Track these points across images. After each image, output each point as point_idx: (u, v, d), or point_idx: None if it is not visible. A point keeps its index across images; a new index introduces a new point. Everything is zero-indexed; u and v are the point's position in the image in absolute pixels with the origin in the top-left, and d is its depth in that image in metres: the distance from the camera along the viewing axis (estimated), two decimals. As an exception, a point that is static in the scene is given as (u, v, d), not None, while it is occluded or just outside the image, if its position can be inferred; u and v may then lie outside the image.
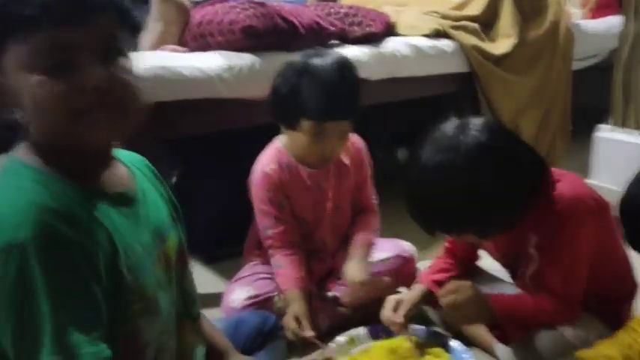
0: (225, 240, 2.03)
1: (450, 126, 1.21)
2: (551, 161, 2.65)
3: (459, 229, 1.26)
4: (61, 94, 0.71)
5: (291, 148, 1.57)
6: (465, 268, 1.52)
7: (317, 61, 1.45)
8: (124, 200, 0.84)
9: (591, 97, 2.91)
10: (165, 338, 0.89)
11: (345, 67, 1.48)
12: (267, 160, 1.58)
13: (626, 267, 1.33)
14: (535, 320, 1.23)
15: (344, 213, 1.66)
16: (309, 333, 1.38)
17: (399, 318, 1.39)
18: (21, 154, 0.77)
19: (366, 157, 1.67)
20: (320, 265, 1.65)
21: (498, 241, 1.36)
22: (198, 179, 2.00)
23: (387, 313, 1.41)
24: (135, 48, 0.85)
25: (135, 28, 0.82)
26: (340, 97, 1.45)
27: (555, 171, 1.28)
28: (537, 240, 1.25)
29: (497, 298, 1.26)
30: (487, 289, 1.44)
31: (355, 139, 1.65)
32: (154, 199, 0.92)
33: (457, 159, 1.14)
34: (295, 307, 1.44)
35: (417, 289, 1.46)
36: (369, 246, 1.62)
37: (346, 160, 1.62)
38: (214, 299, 1.61)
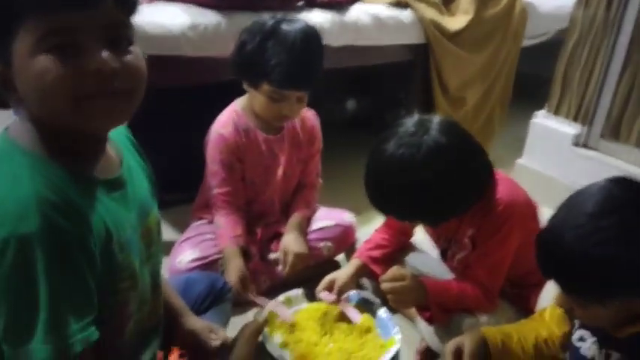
0: (176, 186, 2.08)
1: (411, 122, 1.30)
2: (490, 130, 2.84)
3: (411, 218, 1.40)
4: (64, 77, 0.72)
5: (248, 105, 1.62)
6: (400, 243, 1.66)
7: (285, 27, 1.48)
8: (116, 185, 0.87)
9: (534, 67, 3.06)
10: (145, 308, 0.96)
11: (313, 37, 1.52)
12: (225, 122, 1.62)
13: None
14: (458, 304, 1.39)
15: (291, 181, 1.75)
16: (252, 296, 1.50)
17: (332, 297, 1.54)
18: (15, 134, 0.79)
19: (318, 133, 1.76)
20: (265, 229, 1.74)
21: (433, 230, 1.52)
22: (154, 130, 2.02)
23: (321, 292, 1.55)
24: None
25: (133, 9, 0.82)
26: (304, 67, 1.49)
27: (497, 173, 1.40)
28: (473, 232, 1.40)
29: (432, 285, 1.39)
30: (417, 264, 1.61)
31: (310, 115, 1.73)
32: (138, 177, 0.95)
33: (418, 155, 1.24)
34: (233, 265, 1.52)
35: (352, 264, 1.59)
36: (306, 220, 1.73)
37: (300, 133, 1.70)
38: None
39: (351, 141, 2.99)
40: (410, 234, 1.67)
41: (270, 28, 1.48)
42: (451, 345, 1.21)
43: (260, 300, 1.54)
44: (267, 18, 1.53)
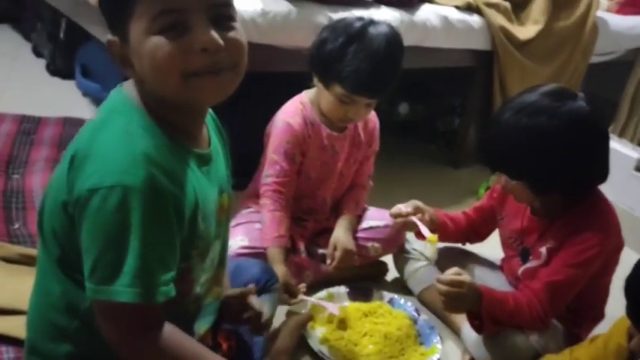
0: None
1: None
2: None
3: (523, 175, 1.34)
4: (174, 54, 0.77)
5: (315, 100, 1.60)
6: (466, 239, 1.66)
7: (372, 32, 1.46)
8: (206, 160, 0.92)
9: (601, 89, 2.97)
10: (207, 281, 0.99)
11: (396, 45, 1.49)
12: (293, 113, 1.60)
13: (604, 297, 1.44)
14: (511, 320, 1.34)
15: (346, 180, 1.73)
16: (299, 298, 1.49)
17: (408, 209, 1.52)
18: (132, 93, 0.85)
19: (377, 135, 1.73)
20: (314, 224, 1.73)
21: (517, 226, 1.47)
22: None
23: (398, 206, 1.54)
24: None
25: None
26: (381, 76, 1.48)
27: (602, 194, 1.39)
28: (553, 245, 1.35)
29: (488, 296, 1.34)
30: (475, 269, 1.60)
31: (372, 116, 1.70)
32: (221, 157, 1.01)
33: (561, 113, 1.26)
34: (276, 271, 1.46)
35: (429, 209, 1.58)
36: (356, 219, 1.71)
37: (362, 133, 1.68)
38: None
39: (401, 145, 2.97)
40: (483, 236, 1.65)
41: (356, 31, 1.46)
42: None
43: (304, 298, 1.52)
44: (353, 19, 1.51)
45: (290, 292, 1.47)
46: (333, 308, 1.48)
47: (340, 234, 1.62)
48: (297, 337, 1.37)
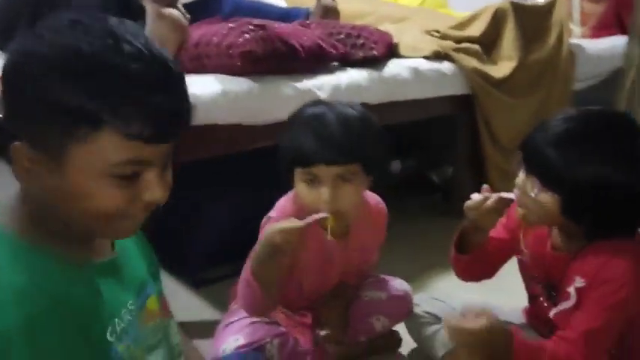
0: (221, 260, 1.99)
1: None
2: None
3: (563, 187, 1.18)
4: (119, 202, 0.70)
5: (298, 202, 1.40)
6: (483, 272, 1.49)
7: (328, 113, 1.30)
8: (112, 268, 0.82)
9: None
10: None
11: (359, 116, 1.33)
12: (283, 208, 1.43)
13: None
14: None
15: (348, 276, 1.55)
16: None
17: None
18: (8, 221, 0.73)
19: (385, 227, 1.56)
20: (314, 312, 1.54)
21: (541, 263, 1.34)
22: (200, 201, 1.97)
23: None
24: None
25: None
26: (332, 140, 1.27)
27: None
28: (582, 285, 1.20)
29: (520, 340, 1.18)
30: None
31: (381, 209, 1.54)
32: (134, 255, 0.90)
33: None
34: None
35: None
36: (354, 292, 1.56)
37: (366, 235, 1.50)
38: (201, 328, 1.58)
39: (398, 203, 2.87)
40: (496, 268, 1.48)
41: (311, 114, 1.33)
42: None
43: None
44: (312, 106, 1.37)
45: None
46: None
47: (332, 313, 1.47)
48: None
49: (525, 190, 1.23)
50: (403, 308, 1.58)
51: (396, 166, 3.20)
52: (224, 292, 1.68)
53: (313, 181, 1.30)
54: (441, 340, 1.51)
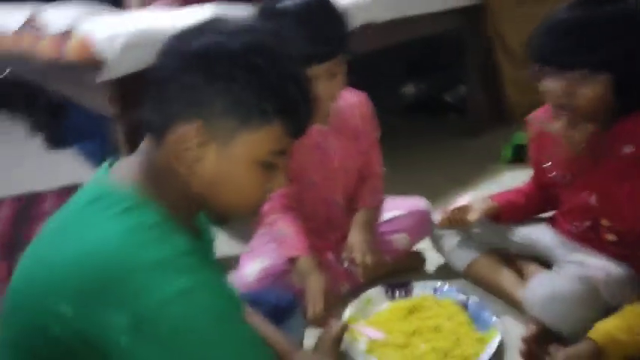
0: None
1: None
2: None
3: (613, 64, 1.13)
4: (260, 189, 0.78)
5: None
6: (543, 207, 1.50)
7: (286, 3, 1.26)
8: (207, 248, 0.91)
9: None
10: None
11: (321, 5, 1.29)
12: None
13: None
14: None
15: (352, 175, 1.55)
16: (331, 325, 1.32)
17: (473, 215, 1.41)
18: (140, 185, 0.75)
19: (374, 121, 1.56)
20: (335, 233, 1.56)
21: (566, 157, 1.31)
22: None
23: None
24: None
25: None
26: (319, 37, 1.24)
27: None
28: (633, 150, 1.18)
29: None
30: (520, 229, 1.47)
31: (363, 100, 1.54)
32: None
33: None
34: (315, 282, 1.32)
35: (486, 201, 1.46)
36: (374, 213, 1.54)
37: (354, 121, 1.51)
38: (227, 262, 1.58)
39: (414, 127, 2.88)
40: (556, 203, 1.44)
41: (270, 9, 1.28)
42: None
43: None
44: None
45: (326, 304, 1.30)
46: (374, 333, 1.32)
47: (355, 237, 1.45)
48: (336, 354, 1.22)
49: (563, 93, 1.15)
50: (423, 224, 1.57)
51: (409, 89, 3.16)
52: (246, 226, 1.67)
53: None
54: (461, 252, 1.52)
